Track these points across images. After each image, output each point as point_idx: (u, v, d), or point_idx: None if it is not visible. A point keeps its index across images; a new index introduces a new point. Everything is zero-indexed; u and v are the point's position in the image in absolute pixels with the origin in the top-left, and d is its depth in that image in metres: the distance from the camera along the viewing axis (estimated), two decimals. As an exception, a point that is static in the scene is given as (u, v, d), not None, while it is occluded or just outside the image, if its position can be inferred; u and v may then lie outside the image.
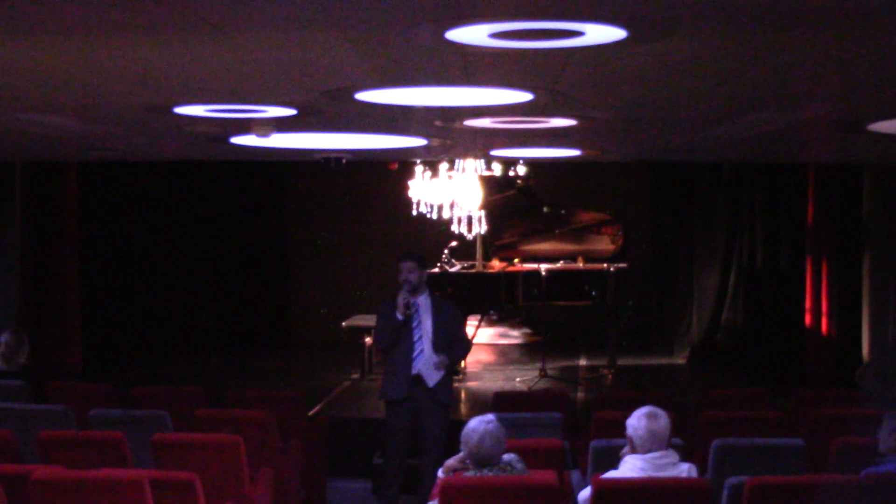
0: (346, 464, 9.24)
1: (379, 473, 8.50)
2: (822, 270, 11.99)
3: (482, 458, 5.34)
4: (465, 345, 8.27)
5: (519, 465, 5.41)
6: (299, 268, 15.53)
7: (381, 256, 15.25)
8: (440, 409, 7.76)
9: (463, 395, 11.21)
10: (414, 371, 7.72)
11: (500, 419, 7.14)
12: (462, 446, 5.41)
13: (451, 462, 5.54)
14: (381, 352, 8.02)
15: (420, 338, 7.74)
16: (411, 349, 7.74)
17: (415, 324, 7.74)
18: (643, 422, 5.28)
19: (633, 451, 5.34)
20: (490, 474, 5.32)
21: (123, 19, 3.77)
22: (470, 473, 5.35)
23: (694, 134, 7.99)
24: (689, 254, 14.14)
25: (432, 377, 7.74)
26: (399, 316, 7.71)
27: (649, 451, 5.28)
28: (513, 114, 6.55)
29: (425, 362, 7.72)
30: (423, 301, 7.82)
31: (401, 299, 7.71)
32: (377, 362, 12.67)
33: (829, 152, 10.54)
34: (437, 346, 7.74)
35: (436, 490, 5.53)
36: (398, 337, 7.75)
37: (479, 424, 5.37)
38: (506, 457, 5.41)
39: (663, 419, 5.30)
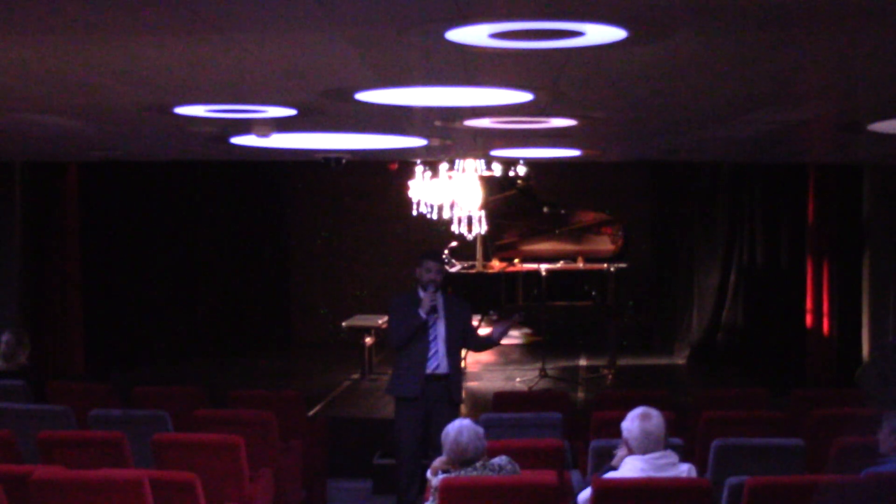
0: (346, 464, 9.24)
1: (388, 474, 8.50)
2: (823, 270, 11.98)
3: (462, 454, 5.33)
4: (478, 338, 8.38)
5: (509, 467, 5.40)
6: (299, 268, 15.54)
7: (381, 256, 15.27)
8: (454, 409, 7.76)
9: (463, 395, 11.19)
10: (429, 370, 7.71)
11: (500, 419, 7.20)
12: (443, 448, 5.42)
13: (437, 463, 5.54)
14: (395, 349, 7.97)
15: (435, 338, 7.73)
16: (426, 348, 7.71)
17: (431, 323, 7.73)
18: (636, 423, 5.29)
19: (631, 452, 5.34)
20: (475, 474, 5.32)
21: (123, 19, 3.77)
22: (452, 474, 5.34)
23: (694, 134, 7.99)
24: (689, 254, 14.15)
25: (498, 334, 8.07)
26: (423, 315, 7.67)
27: (646, 451, 5.29)
28: (513, 114, 6.55)
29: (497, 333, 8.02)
30: (438, 299, 7.80)
31: (428, 299, 7.64)
32: (378, 362, 12.69)
33: (829, 152, 10.55)
34: (451, 345, 7.76)
35: (427, 492, 5.54)
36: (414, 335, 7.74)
37: (454, 423, 5.44)
38: (496, 459, 5.40)
39: (656, 419, 5.30)
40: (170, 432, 6.97)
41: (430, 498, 5.41)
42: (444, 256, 12.23)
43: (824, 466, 6.39)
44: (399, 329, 7.76)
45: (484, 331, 11.41)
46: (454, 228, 12.20)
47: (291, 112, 6.30)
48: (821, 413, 7.35)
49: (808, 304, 12.13)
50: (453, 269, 12.39)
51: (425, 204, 12.03)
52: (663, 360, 13.87)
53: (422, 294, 7.71)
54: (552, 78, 5.09)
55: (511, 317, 8.36)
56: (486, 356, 13.39)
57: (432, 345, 7.72)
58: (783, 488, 5.42)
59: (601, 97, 6.03)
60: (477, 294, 11.89)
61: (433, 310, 7.69)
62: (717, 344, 13.53)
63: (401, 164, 12.61)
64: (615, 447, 5.57)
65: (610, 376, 12.45)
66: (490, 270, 12.64)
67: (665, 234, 14.58)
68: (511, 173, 12.27)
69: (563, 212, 12.93)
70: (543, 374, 12.06)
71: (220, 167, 13.55)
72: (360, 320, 12.72)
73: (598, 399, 8.92)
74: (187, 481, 5.64)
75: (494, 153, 10.64)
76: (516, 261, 12.89)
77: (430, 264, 7.76)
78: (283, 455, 7.53)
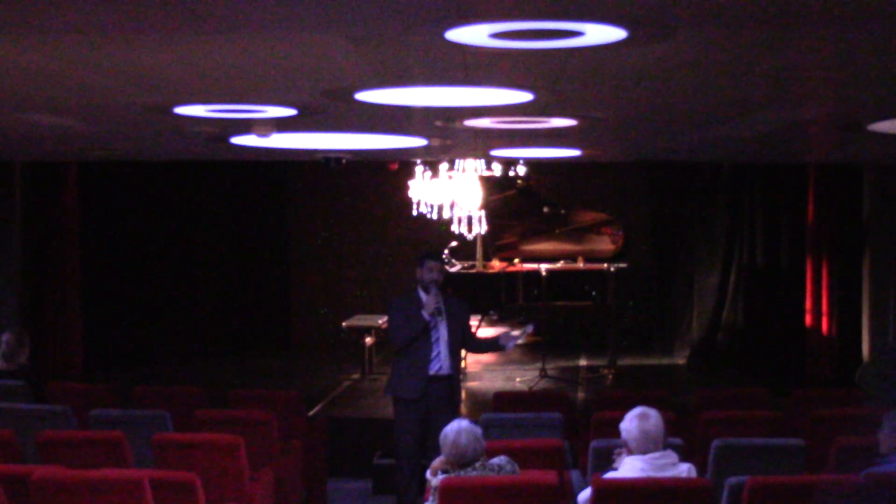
0: (346, 464, 9.24)
1: (388, 474, 8.50)
2: (822, 270, 11.99)
3: (461, 457, 5.34)
4: (477, 339, 8.41)
5: (509, 468, 5.39)
6: (299, 268, 15.54)
7: (381, 256, 15.28)
8: (454, 409, 7.76)
9: (463, 395, 11.20)
10: (432, 371, 7.69)
11: (500, 419, 7.19)
12: (442, 450, 5.42)
13: (436, 463, 5.54)
14: (397, 350, 7.93)
15: (437, 339, 7.70)
16: (429, 350, 7.67)
17: (433, 324, 7.70)
18: (635, 423, 5.30)
19: (630, 452, 5.34)
20: (474, 474, 5.32)
21: (123, 19, 3.77)
22: (452, 474, 5.34)
23: (694, 134, 7.99)
24: (689, 254, 14.15)
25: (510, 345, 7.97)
26: (427, 316, 7.65)
27: (645, 451, 5.29)
28: (513, 114, 6.55)
29: (509, 341, 7.89)
30: (440, 300, 7.79)
31: (432, 301, 7.61)
32: (378, 362, 12.69)
33: (829, 152, 10.54)
34: (453, 346, 7.74)
35: (427, 492, 5.54)
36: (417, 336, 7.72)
37: (453, 424, 5.44)
38: (495, 459, 5.40)
39: (654, 419, 5.30)
40: (170, 432, 6.97)
41: (430, 498, 5.42)
42: (444, 256, 12.24)
43: (824, 466, 6.39)
44: (402, 331, 7.72)
45: (485, 331, 11.43)
46: (454, 228, 12.20)
47: (291, 112, 6.30)
48: (821, 413, 7.35)
49: (808, 304, 12.14)
50: (453, 269, 12.39)
51: (425, 204, 12.03)
52: (663, 360, 13.87)
53: (423, 296, 7.69)
54: (552, 78, 5.09)
55: (524, 329, 8.28)
56: (486, 356, 13.39)
57: (435, 346, 7.68)
58: (783, 488, 5.42)
59: (601, 97, 6.02)
60: (477, 294, 11.89)
61: (437, 311, 7.66)
62: (717, 344, 13.53)
63: (401, 164, 12.61)
64: (616, 447, 5.57)
65: (610, 376, 12.45)
66: (490, 270, 12.64)
67: (665, 234, 14.58)
68: (511, 173, 12.28)
69: (563, 212, 12.93)
70: (543, 374, 12.05)
71: (220, 167, 13.55)
72: (360, 320, 12.72)
73: (598, 399, 8.93)
74: (187, 481, 5.64)
75: (494, 153, 10.64)
76: (516, 261, 12.89)
77: (432, 264, 7.74)
78: (283, 455, 7.53)
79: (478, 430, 5.42)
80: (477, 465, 5.35)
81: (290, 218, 15.48)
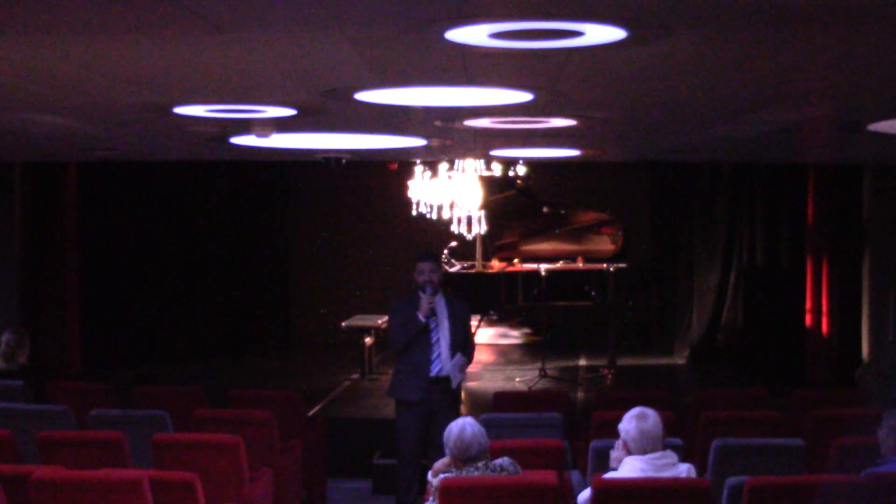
0: (346, 464, 9.24)
1: (388, 474, 8.49)
2: (822, 270, 11.99)
3: (466, 451, 5.33)
4: (473, 344, 8.15)
5: (512, 469, 5.39)
6: (299, 268, 15.54)
7: (381, 256, 15.27)
8: (456, 409, 7.74)
9: (463, 395, 11.19)
10: (433, 373, 7.67)
11: (500, 419, 7.19)
12: (446, 447, 5.41)
13: (439, 465, 5.54)
14: (396, 352, 7.89)
15: (438, 340, 7.67)
16: (430, 351, 7.64)
17: (433, 325, 7.68)
18: (633, 423, 5.29)
19: (629, 452, 5.34)
20: (476, 474, 5.31)
21: (123, 19, 3.77)
22: (454, 473, 5.34)
23: (694, 134, 7.99)
24: (689, 254, 14.15)
25: (457, 378, 7.70)
26: (423, 318, 7.62)
27: (644, 451, 5.29)
28: (513, 114, 6.55)
29: (452, 366, 7.64)
30: (439, 301, 7.73)
31: (426, 302, 7.58)
32: (378, 362, 12.68)
33: (829, 152, 10.55)
34: (454, 347, 7.71)
35: (427, 493, 5.54)
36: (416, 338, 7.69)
37: (457, 421, 5.44)
38: (498, 461, 5.40)
39: (653, 419, 5.30)
40: (170, 432, 6.97)
41: (430, 498, 5.41)
42: (443, 256, 12.23)
43: (824, 466, 6.39)
44: (399, 333, 7.72)
45: (485, 332, 11.42)
46: (454, 228, 12.20)
47: (291, 112, 6.30)
48: (821, 413, 7.35)
49: (808, 304, 12.13)
50: (453, 269, 12.39)
51: (425, 204, 12.03)
52: (663, 360, 13.87)
53: (421, 297, 7.68)
54: (552, 78, 5.09)
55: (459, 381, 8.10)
56: (486, 356, 13.39)
57: (435, 348, 7.65)
58: (783, 488, 5.42)
59: (601, 97, 6.03)
60: (477, 294, 11.88)
61: (432, 313, 7.64)
62: (717, 344, 13.53)
63: (401, 164, 12.61)
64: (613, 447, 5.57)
65: (610, 376, 12.45)
66: (490, 270, 12.64)
67: (665, 234, 14.58)
68: (511, 173, 12.28)
69: (563, 212, 12.93)
70: (543, 374, 12.06)
71: (220, 167, 13.54)
72: (360, 320, 12.72)
73: (598, 399, 8.91)
74: (187, 481, 5.64)
75: (494, 153, 10.64)
76: (516, 261, 12.88)
77: (422, 266, 7.69)
78: (283, 455, 7.53)
79: (481, 428, 5.42)
80: (480, 465, 5.35)
81: (290, 218, 15.48)
